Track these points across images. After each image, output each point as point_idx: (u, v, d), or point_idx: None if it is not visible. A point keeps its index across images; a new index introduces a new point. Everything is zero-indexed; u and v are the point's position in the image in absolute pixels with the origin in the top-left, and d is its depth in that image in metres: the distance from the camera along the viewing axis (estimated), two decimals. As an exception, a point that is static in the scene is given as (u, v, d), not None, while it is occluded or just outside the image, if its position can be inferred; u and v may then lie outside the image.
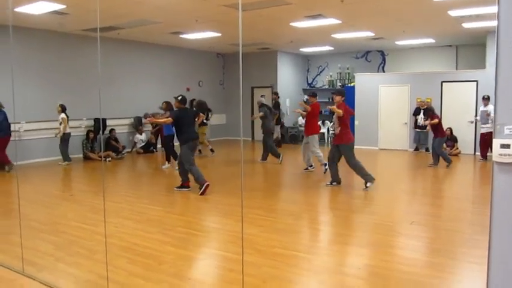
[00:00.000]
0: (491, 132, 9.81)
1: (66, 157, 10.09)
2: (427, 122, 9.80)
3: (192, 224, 5.42)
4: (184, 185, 7.23)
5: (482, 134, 10.26)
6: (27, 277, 3.72)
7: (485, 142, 10.05)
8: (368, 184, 7.17)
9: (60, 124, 9.95)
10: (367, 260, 4.13)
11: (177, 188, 7.25)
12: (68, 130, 10.05)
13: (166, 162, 9.64)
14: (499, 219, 2.04)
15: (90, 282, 3.63)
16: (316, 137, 8.82)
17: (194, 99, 13.84)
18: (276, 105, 12.75)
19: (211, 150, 11.46)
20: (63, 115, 9.96)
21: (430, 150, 9.96)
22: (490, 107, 9.88)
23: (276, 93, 13.29)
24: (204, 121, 10.54)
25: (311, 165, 8.92)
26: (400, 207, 6.32)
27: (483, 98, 10.22)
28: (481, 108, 10.33)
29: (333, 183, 7.45)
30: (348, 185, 7.63)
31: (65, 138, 10.05)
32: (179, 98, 7.25)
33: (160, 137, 12.36)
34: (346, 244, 4.68)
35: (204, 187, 6.83)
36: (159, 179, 8.87)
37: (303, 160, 9.05)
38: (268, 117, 10.27)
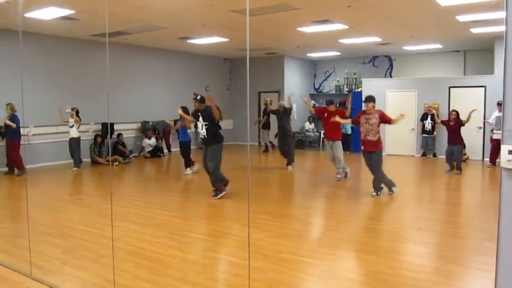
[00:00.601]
0: None
1: (77, 162, 10.12)
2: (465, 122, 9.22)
3: (198, 229, 5.42)
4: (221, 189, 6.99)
5: (496, 140, 9.85)
6: (35, 280, 3.74)
7: (498, 148, 9.85)
8: (393, 189, 7.06)
9: (72, 127, 10.00)
10: (374, 266, 4.10)
11: (216, 197, 6.90)
12: (77, 134, 10.08)
13: (188, 169, 9.38)
14: (507, 225, 2.03)
15: (97, 285, 3.64)
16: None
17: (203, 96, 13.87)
18: (266, 111, 12.95)
19: None
20: (76, 118, 10.03)
21: (448, 157, 9.47)
22: None
23: (268, 101, 13.27)
24: None
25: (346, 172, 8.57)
26: (408, 213, 6.29)
27: (498, 104, 9.95)
28: (496, 113, 10.00)
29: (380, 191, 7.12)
30: (356, 190, 7.60)
31: (76, 143, 10.08)
32: (199, 97, 7.00)
33: (166, 144, 12.46)
34: (353, 250, 4.66)
35: (222, 194, 6.85)
36: (166, 183, 8.90)
37: (336, 167, 8.52)
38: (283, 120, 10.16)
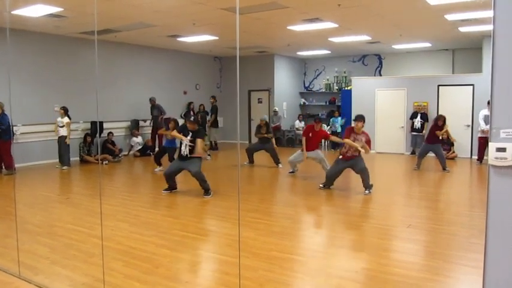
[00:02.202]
0: None
1: (67, 161, 10.04)
2: (441, 133, 9.43)
3: (188, 227, 5.41)
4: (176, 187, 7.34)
5: (483, 138, 9.95)
6: (24, 280, 3.70)
7: (485, 146, 9.97)
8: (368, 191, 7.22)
9: (62, 127, 9.91)
10: (364, 263, 4.13)
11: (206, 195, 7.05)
12: (67, 133, 9.99)
13: (158, 166, 9.54)
14: (494, 222, 2.05)
15: (87, 285, 3.62)
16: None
17: (192, 103, 13.90)
18: (214, 109, 13.49)
19: (209, 154, 11.47)
20: (67, 119, 9.95)
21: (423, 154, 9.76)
22: None
23: (214, 97, 13.76)
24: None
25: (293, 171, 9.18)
26: (397, 211, 6.33)
27: (488, 103, 9.98)
28: (484, 112, 10.01)
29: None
30: (345, 188, 7.63)
31: (65, 142, 9.99)
32: (192, 118, 7.32)
33: (158, 143, 12.34)
34: (343, 247, 4.68)
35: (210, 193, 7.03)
36: (155, 182, 8.85)
37: (290, 163, 9.11)
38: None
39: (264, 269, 3.91)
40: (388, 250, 4.57)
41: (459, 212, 6.18)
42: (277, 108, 14.74)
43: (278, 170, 9.74)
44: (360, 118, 7.42)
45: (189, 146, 6.99)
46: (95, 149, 11.05)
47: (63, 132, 9.97)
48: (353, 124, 7.55)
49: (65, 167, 9.93)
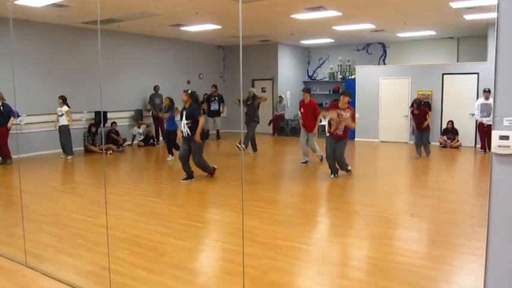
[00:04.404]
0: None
1: (70, 150, 10.06)
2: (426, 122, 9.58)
3: (192, 216, 5.44)
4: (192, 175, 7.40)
5: (486, 126, 9.93)
6: (30, 268, 3.75)
7: (487, 134, 9.97)
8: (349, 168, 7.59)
9: (62, 116, 9.90)
10: (367, 251, 4.15)
11: (184, 180, 7.29)
12: (67, 122, 9.96)
13: (170, 155, 9.66)
14: (497, 210, 2.06)
15: (92, 273, 3.66)
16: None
17: (194, 92, 13.87)
18: (219, 98, 13.49)
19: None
20: (66, 107, 9.93)
21: (418, 142, 9.78)
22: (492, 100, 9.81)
23: (215, 86, 13.66)
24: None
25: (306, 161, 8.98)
26: (400, 200, 6.35)
27: (484, 91, 10.11)
28: (481, 100, 10.14)
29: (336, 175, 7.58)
30: (348, 177, 7.64)
31: (67, 131, 10.01)
32: (189, 91, 7.30)
33: (161, 131, 12.37)
34: (346, 236, 4.71)
35: (214, 171, 7.49)
36: (159, 171, 8.90)
37: (302, 153, 9.02)
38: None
39: (268, 257, 3.94)
40: (391, 238, 4.59)
41: (462, 201, 6.18)
42: (282, 95, 14.71)
43: (284, 159, 9.74)
44: (347, 93, 7.45)
45: (187, 124, 7.09)
46: (99, 138, 11.09)
47: (63, 121, 9.92)
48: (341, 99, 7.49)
49: (69, 157, 9.97)
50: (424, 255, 4.03)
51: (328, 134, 7.61)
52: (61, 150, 10.13)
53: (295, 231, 4.83)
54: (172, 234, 4.67)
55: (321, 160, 8.83)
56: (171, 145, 9.69)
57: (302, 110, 8.72)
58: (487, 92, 9.96)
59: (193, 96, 7.25)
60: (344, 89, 14.19)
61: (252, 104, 10.31)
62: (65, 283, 3.46)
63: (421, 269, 3.66)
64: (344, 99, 7.29)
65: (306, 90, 8.78)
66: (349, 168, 7.65)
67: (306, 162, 8.88)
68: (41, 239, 4.52)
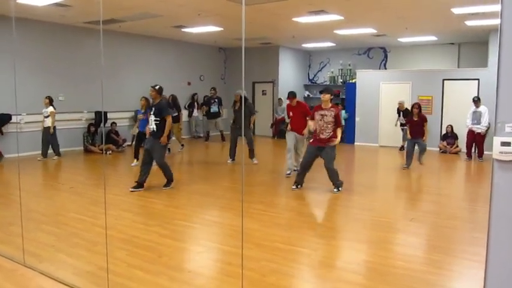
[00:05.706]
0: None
1: (57, 150, 9.82)
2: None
3: (191, 218, 5.44)
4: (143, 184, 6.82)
5: (476, 134, 9.98)
6: (28, 267, 3.74)
7: (474, 141, 10.07)
8: (337, 190, 6.71)
9: (47, 117, 9.62)
10: (366, 255, 4.15)
11: (133, 188, 6.70)
12: (50, 124, 9.62)
13: (135, 160, 9.02)
14: (498, 216, 2.05)
15: (90, 273, 3.66)
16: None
17: (196, 94, 13.92)
18: (219, 100, 13.31)
19: (182, 145, 11.05)
20: (51, 108, 9.67)
21: (408, 151, 8.96)
22: (483, 108, 9.88)
23: (214, 88, 13.52)
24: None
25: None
26: (399, 204, 6.34)
27: (473, 100, 10.12)
28: (473, 109, 10.11)
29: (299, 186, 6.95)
30: (347, 182, 7.63)
31: (52, 132, 9.70)
32: (157, 87, 6.80)
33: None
34: (345, 240, 4.71)
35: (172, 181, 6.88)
36: (157, 172, 8.87)
37: (290, 164, 8.10)
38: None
39: (267, 260, 3.93)
40: (390, 243, 4.59)
41: (461, 206, 6.18)
42: (282, 98, 14.71)
43: (284, 162, 9.71)
44: (326, 90, 6.59)
45: (155, 121, 6.63)
46: (99, 138, 11.08)
47: (48, 122, 9.61)
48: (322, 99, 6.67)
49: (55, 157, 9.72)
50: (423, 260, 4.03)
51: (310, 142, 6.73)
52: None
53: (294, 234, 4.83)
54: (170, 235, 4.66)
55: (290, 173, 7.93)
56: (139, 148, 8.85)
57: (291, 113, 7.95)
58: (476, 101, 10.02)
59: (161, 92, 6.81)
60: (345, 93, 14.28)
61: (239, 109, 9.21)
62: (62, 283, 3.45)
63: (419, 274, 3.66)
64: (325, 98, 6.50)
65: (291, 96, 7.90)
66: (341, 182, 6.75)
67: (289, 174, 7.92)
68: (40, 238, 4.51)
